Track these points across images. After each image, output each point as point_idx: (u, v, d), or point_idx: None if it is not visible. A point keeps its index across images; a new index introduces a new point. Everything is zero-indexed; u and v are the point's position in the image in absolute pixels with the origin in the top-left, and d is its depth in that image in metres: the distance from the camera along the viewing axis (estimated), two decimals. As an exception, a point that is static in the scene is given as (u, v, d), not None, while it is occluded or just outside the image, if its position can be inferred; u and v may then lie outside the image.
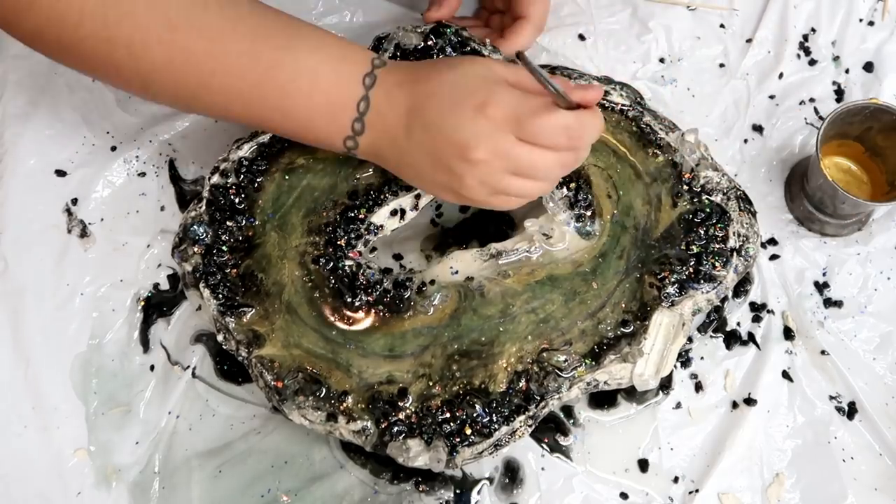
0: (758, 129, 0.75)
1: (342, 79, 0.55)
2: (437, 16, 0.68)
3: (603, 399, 0.64)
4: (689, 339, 0.66)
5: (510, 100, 0.53)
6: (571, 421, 0.63)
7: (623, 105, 0.69)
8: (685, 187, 0.65)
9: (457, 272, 0.62)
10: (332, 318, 0.60)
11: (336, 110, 0.56)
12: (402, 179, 0.60)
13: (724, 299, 0.66)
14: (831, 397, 0.65)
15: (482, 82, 0.54)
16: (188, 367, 0.64)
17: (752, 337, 0.67)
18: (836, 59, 0.77)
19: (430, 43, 0.69)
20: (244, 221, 0.63)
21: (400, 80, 0.56)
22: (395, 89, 0.55)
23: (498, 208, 0.58)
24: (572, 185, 0.64)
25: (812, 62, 0.77)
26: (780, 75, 0.76)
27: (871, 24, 0.78)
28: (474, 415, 0.56)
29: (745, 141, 0.74)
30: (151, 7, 0.52)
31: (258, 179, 0.65)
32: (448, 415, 0.56)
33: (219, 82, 0.54)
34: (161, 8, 0.52)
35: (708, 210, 0.64)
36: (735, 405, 0.64)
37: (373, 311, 0.60)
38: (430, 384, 0.58)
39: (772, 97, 0.76)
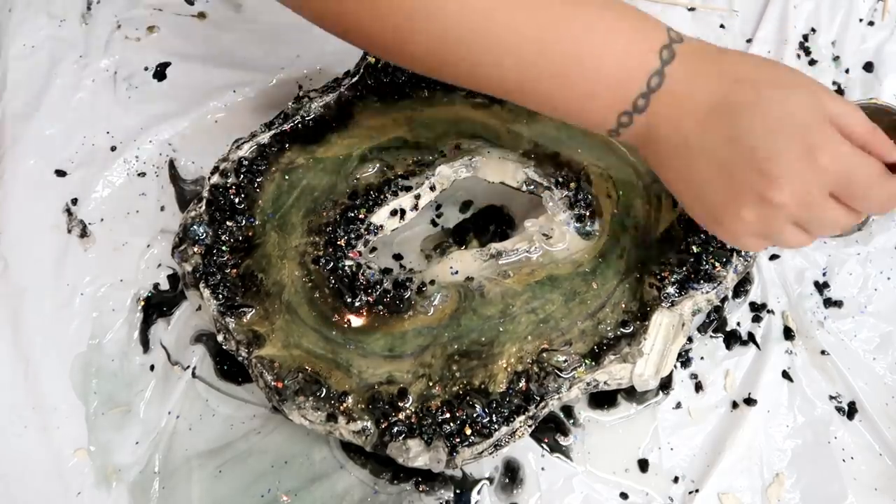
0: (758, 129, 0.75)
1: (636, 46, 0.48)
2: None
3: (603, 399, 0.64)
4: (689, 339, 0.66)
5: (846, 155, 0.47)
6: (571, 421, 0.63)
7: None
8: (685, 187, 0.65)
9: (457, 272, 0.62)
10: (332, 318, 0.60)
11: (623, 80, 0.48)
12: (659, 176, 0.53)
13: (724, 299, 0.66)
14: (831, 397, 0.65)
15: (814, 118, 0.47)
16: (188, 367, 0.65)
17: (752, 337, 0.67)
18: (835, 59, 0.77)
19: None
20: (244, 221, 0.63)
21: (707, 68, 0.48)
22: (698, 75, 0.48)
23: (752, 249, 0.52)
24: (572, 185, 0.64)
25: (812, 62, 0.77)
26: (780, 75, 0.76)
27: (871, 24, 0.78)
28: (474, 415, 0.56)
29: (745, 141, 0.74)
30: None
31: (258, 179, 0.65)
32: (448, 415, 0.56)
33: (499, 41, 0.48)
34: None
35: (708, 210, 0.64)
36: (735, 405, 0.64)
37: (373, 311, 0.60)
38: (430, 384, 0.58)
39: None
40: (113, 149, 0.71)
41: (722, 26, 0.79)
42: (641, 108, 0.49)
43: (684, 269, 0.61)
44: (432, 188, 0.65)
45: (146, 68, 0.75)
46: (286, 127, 0.66)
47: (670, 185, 0.52)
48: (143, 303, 0.66)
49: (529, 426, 0.58)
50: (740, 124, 0.47)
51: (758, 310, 0.68)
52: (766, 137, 0.46)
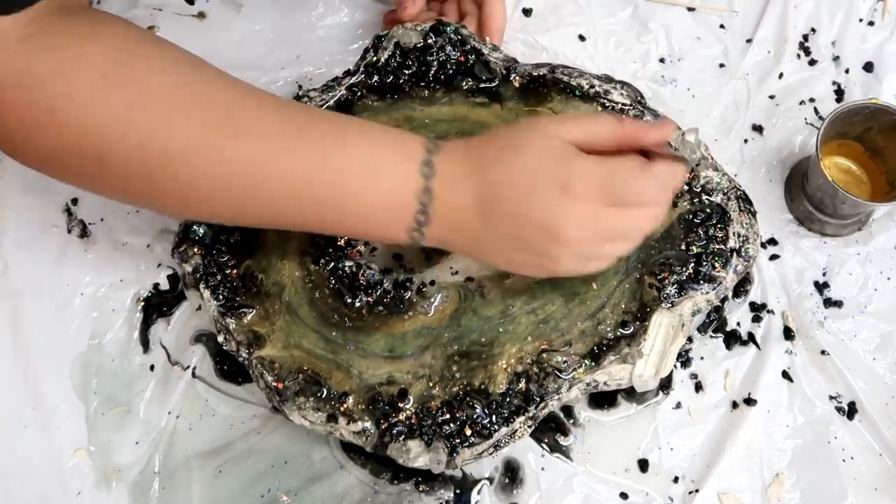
0: (758, 129, 0.75)
1: (399, 170, 0.51)
2: (410, 13, 0.68)
3: (603, 399, 0.64)
4: (689, 340, 0.66)
5: (593, 171, 0.50)
6: (571, 421, 0.63)
7: (623, 104, 0.68)
8: (685, 187, 0.65)
9: (457, 273, 0.62)
10: (332, 319, 0.60)
11: (397, 203, 0.52)
12: (480, 260, 0.57)
13: (723, 299, 0.66)
14: (831, 397, 0.65)
15: (554, 158, 0.50)
16: (188, 367, 0.65)
17: (752, 337, 0.67)
18: (836, 59, 0.77)
19: (429, 41, 0.69)
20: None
21: (463, 169, 0.52)
22: (459, 179, 0.51)
23: (590, 272, 0.55)
24: (572, 186, 0.64)
25: (812, 62, 0.77)
26: (780, 75, 0.76)
27: (870, 24, 0.78)
28: (474, 415, 0.56)
29: (745, 141, 0.74)
30: (188, 111, 0.48)
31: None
32: (448, 416, 0.56)
33: (268, 187, 0.50)
34: (198, 112, 0.49)
35: (708, 210, 0.64)
36: (735, 405, 0.65)
37: (373, 311, 0.60)
38: (430, 385, 0.58)
39: (772, 97, 0.76)
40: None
41: (722, 26, 0.79)
42: (424, 222, 0.52)
43: (684, 269, 0.61)
44: (432, 188, 0.65)
45: (146, 68, 0.75)
46: (286, 127, 0.66)
47: (491, 264, 0.57)
48: (143, 303, 0.66)
49: (529, 426, 0.58)
50: (505, 205, 0.51)
51: (758, 310, 0.68)
52: (529, 203, 0.50)
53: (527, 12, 0.80)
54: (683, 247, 0.63)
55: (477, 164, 0.51)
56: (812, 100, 0.76)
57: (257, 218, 0.53)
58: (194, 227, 0.62)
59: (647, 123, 0.53)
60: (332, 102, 0.68)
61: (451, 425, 0.56)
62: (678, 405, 0.64)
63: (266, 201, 0.51)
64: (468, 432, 0.56)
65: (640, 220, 0.53)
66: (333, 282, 0.60)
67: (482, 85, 0.69)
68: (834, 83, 0.76)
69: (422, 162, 0.51)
